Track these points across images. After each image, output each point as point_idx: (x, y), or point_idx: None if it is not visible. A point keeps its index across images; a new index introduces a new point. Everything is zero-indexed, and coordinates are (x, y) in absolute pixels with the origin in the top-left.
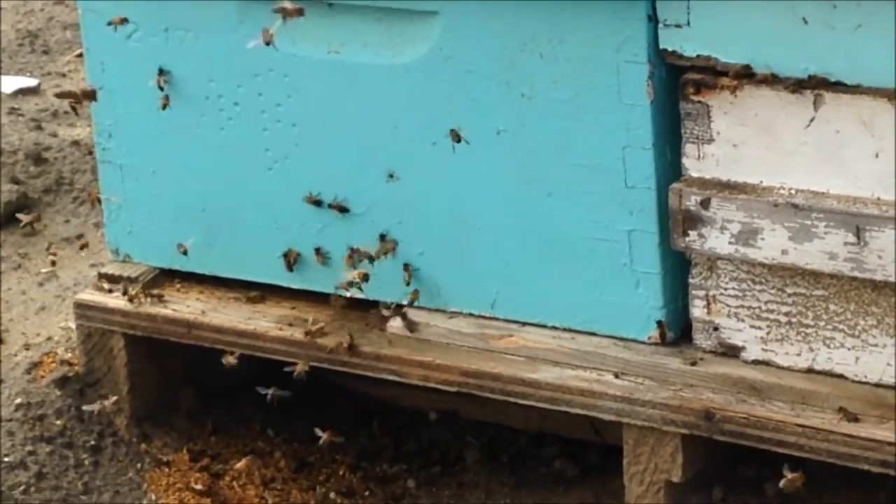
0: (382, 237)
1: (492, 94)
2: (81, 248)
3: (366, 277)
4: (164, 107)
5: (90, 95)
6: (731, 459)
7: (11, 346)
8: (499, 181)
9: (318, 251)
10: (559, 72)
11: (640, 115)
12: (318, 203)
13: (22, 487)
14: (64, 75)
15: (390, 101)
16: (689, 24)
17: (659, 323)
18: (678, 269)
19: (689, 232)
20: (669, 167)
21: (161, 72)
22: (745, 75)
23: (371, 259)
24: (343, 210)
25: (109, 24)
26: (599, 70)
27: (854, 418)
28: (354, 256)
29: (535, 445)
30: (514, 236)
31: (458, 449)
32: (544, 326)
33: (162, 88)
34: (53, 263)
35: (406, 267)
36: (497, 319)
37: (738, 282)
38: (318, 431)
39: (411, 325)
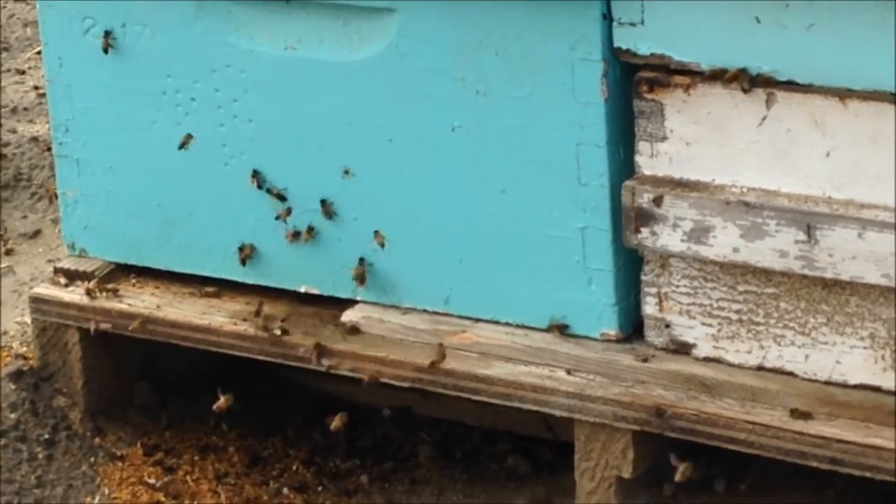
0: (361, 260)
1: (447, 90)
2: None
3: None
4: (106, 49)
5: None
6: (682, 456)
7: None
8: (453, 178)
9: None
10: (514, 69)
11: (593, 112)
12: (259, 187)
13: None
14: (24, 72)
15: (346, 98)
16: (643, 22)
17: (557, 326)
18: (631, 266)
19: (642, 229)
20: (623, 165)
21: (106, 33)
22: (715, 76)
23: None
24: (281, 198)
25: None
26: (554, 68)
27: (805, 416)
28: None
29: (488, 442)
30: (468, 233)
31: (412, 445)
32: (497, 323)
33: (106, 51)
34: (8, 252)
35: (360, 262)
36: (451, 315)
37: (690, 279)
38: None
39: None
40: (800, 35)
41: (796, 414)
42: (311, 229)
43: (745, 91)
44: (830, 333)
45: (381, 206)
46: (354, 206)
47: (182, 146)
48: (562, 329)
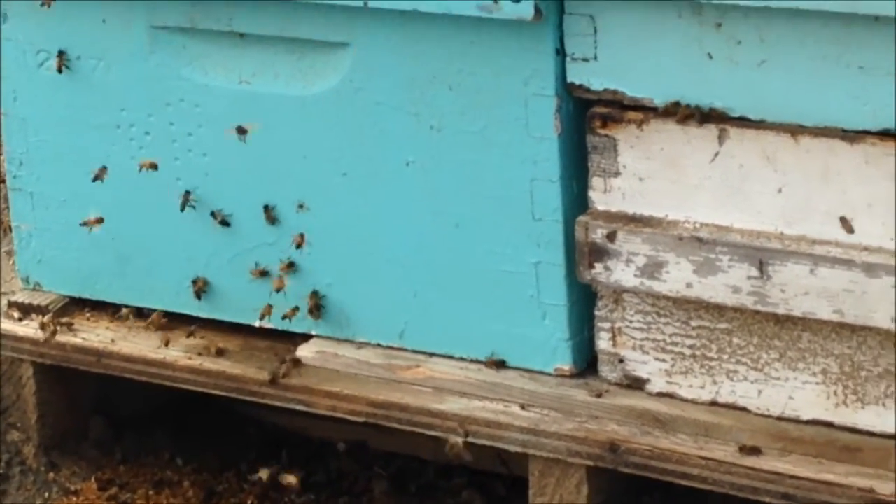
0: (314, 293)
1: (401, 125)
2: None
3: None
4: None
5: None
6: (635, 491)
7: None
8: (407, 212)
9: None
10: (468, 104)
11: (547, 147)
12: (213, 215)
13: None
14: None
15: (301, 132)
16: (596, 58)
17: (494, 362)
18: (584, 301)
19: (596, 264)
20: (576, 200)
21: (60, 53)
22: (667, 112)
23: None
24: (225, 224)
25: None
26: (508, 103)
27: (754, 452)
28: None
29: (443, 476)
30: (423, 267)
31: (367, 479)
32: (452, 357)
33: (60, 70)
34: None
35: (313, 295)
36: (405, 350)
37: (644, 314)
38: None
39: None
40: (751, 71)
41: (745, 450)
42: (290, 265)
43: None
44: (783, 369)
45: (335, 241)
46: (308, 241)
47: (96, 179)
48: (498, 364)
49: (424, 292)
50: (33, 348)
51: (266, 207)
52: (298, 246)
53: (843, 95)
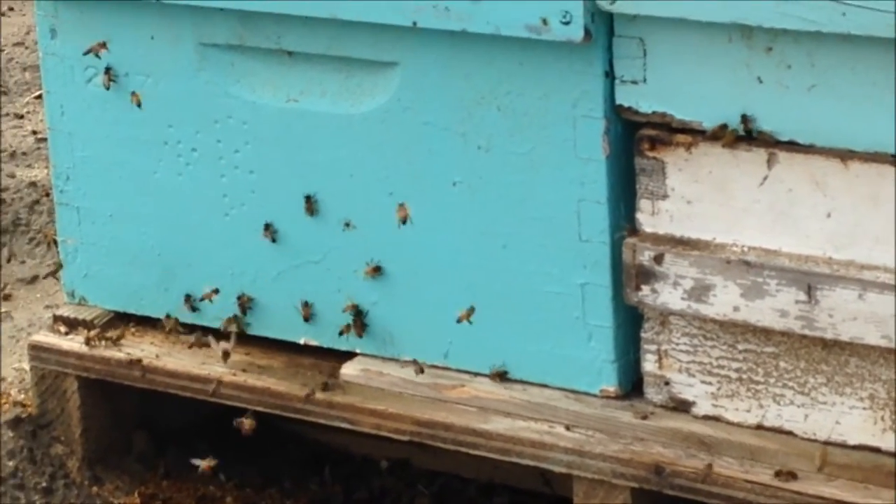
0: (358, 311)
1: (448, 145)
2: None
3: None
4: (108, 85)
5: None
6: None
7: None
8: (454, 232)
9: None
10: (516, 125)
11: (595, 169)
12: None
13: None
14: (22, 116)
15: (348, 151)
16: (645, 80)
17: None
18: (630, 323)
19: (642, 287)
20: (623, 222)
21: (107, 69)
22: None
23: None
24: (273, 239)
25: (87, 52)
26: (556, 124)
27: (790, 476)
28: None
29: (485, 495)
30: (469, 287)
31: (409, 498)
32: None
33: (108, 87)
34: (6, 298)
35: (357, 312)
36: (450, 369)
37: (690, 337)
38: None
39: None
40: (801, 96)
41: (781, 475)
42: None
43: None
44: (830, 393)
45: (381, 259)
46: (354, 259)
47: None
48: (502, 376)
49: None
50: (78, 362)
51: (307, 198)
52: (373, 273)
53: (893, 121)
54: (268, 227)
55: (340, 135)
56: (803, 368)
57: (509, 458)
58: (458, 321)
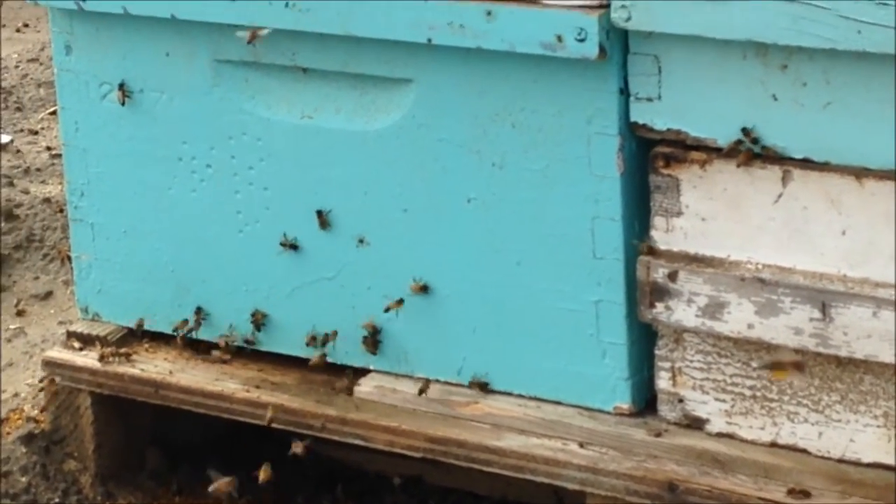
0: (373, 328)
1: (463, 162)
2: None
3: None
4: (123, 101)
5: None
6: None
7: None
8: (468, 249)
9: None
10: (530, 142)
11: (609, 186)
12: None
13: None
14: (37, 132)
15: (362, 167)
16: (659, 97)
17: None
18: (644, 340)
19: (656, 304)
20: (637, 239)
21: (121, 86)
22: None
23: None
24: (294, 247)
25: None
26: (570, 141)
27: (804, 495)
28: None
29: None
30: (482, 304)
31: None
32: (510, 394)
33: (123, 103)
34: (20, 314)
35: (372, 330)
36: (463, 386)
37: (704, 354)
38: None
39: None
40: (816, 114)
41: (794, 493)
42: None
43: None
44: (844, 411)
45: (395, 276)
46: (368, 276)
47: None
48: (482, 386)
49: (483, 329)
50: (91, 378)
51: (319, 213)
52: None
53: None
54: (286, 240)
55: (355, 151)
56: (817, 386)
57: (523, 475)
58: (386, 310)
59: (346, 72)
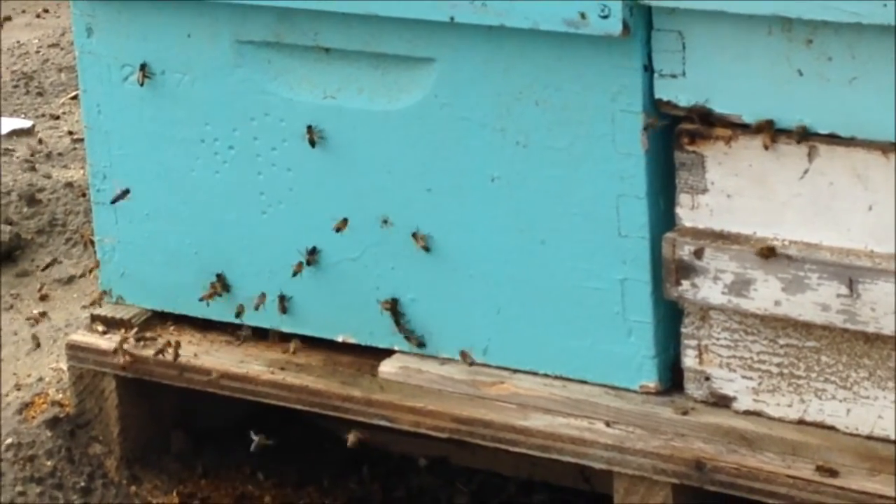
0: (394, 301)
1: (487, 141)
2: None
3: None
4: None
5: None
6: None
7: (3, 387)
8: (492, 228)
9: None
10: (554, 120)
11: (634, 164)
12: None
13: None
14: (58, 117)
15: (385, 147)
16: (684, 74)
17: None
18: (670, 318)
19: (682, 281)
20: (663, 216)
21: (142, 66)
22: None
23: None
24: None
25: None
26: (594, 119)
27: (831, 473)
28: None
29: (524, 492)
30: (507, 283)
31: (448, 495)
32: (536, 374)
33: (142, 84)
34: (43, 298)
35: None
36: (489, 366)
37: (731, 332)
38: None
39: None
40: (842, 88)
41: (822, 471)
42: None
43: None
44: (872, 388)
45: (419, 256)
46: (392, 256)
47: (116, 200)
48: (464, 356)
49: (509, 308)
50: (116, 361)
51: (309, 128)
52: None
53: None
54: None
55: (378, 131)
56: (845, 363)
57: (549, 454)
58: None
59: (368, 51)
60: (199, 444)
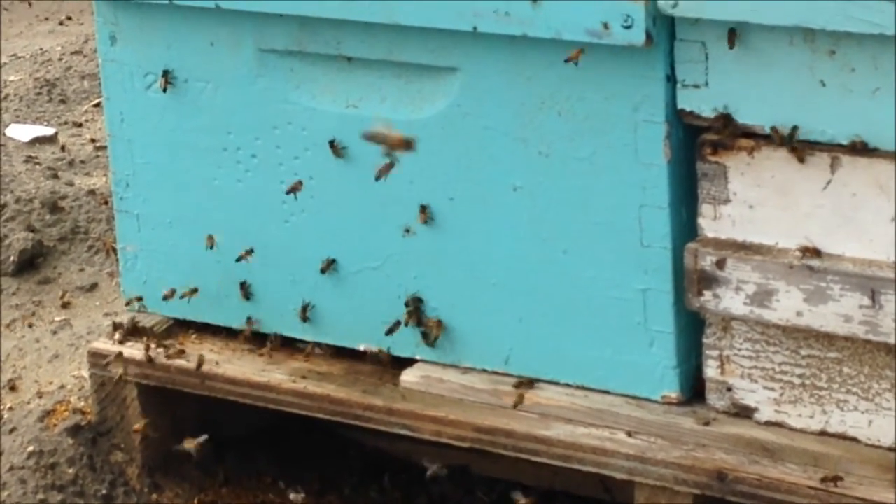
0: (416, 300)
1: (509, 150)
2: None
3: None
4: (165, 88)
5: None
6: None
7: (25, 394)
8: (515, 238)
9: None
10: (577, 130)
11: (656, 174)
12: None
13: None
14: (80, 125)
15: (407, 156)
16: (707, 84)
17: None
18: (692, 328)
19: (704, 292)
20: (685, 227)
21: (165, 73)
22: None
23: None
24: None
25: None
26: (617, 129)
27: (834, 480)
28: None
29: (545, 502)
30: (529, 293)
31: None
32: (557, 384)
33: (165, 90)
34: (65, 306)
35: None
36: (510, 376)
37: (752, 343)
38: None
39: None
40: (865, 99)
41: (826, 480)
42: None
43: (800, 161)
44: (894, 399)
45: (440, 266)
46: (415, 265)
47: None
48: (529, 384)
49: (530, 318)
50: (137, 370)
51: (332, 142)
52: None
53: None
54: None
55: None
56: (867, 374)
57: (570, 464)
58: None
59: (390, 60)
60: (221, 453)
